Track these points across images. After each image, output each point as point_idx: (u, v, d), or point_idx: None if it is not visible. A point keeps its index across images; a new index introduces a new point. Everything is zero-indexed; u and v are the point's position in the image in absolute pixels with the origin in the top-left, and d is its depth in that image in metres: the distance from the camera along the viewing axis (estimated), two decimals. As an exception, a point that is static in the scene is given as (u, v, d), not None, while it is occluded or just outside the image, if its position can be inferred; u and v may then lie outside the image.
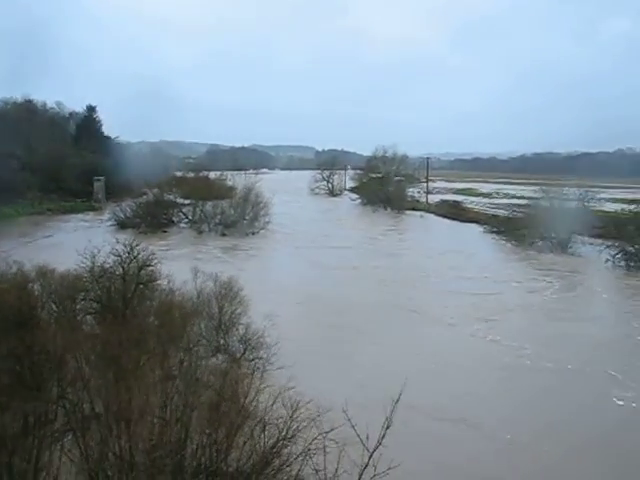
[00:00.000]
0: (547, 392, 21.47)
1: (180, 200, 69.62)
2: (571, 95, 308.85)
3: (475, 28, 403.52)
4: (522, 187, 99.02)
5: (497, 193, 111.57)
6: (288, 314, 27.68)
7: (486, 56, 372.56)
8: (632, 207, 53.75)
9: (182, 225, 66.50)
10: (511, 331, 28.56)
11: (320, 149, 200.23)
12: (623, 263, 47.52)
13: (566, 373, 23.30)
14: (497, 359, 24.75)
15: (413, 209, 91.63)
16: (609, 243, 49.75)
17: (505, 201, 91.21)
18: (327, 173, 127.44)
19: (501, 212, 74.27)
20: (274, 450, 10.89)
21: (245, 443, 10.87)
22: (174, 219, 67.50)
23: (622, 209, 55.79)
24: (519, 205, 71.00)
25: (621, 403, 20.52)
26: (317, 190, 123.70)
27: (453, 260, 47.59)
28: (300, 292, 35.09)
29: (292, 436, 10.97)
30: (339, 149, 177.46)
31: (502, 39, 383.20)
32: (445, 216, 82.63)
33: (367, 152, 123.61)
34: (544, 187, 61.98)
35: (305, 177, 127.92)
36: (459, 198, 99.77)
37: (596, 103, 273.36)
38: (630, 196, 70.33)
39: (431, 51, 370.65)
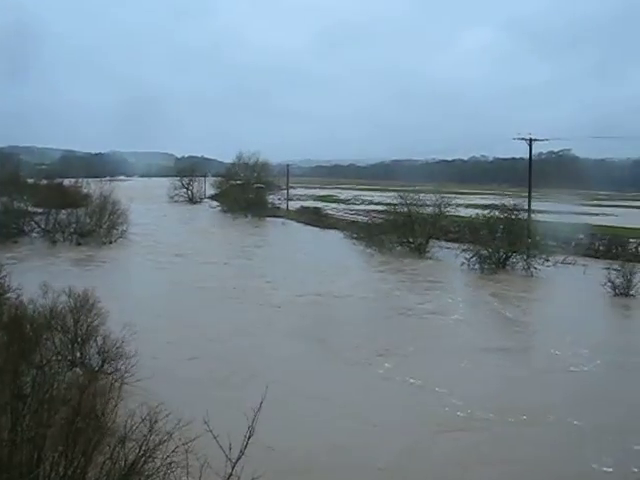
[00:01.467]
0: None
1: (32, 209, 65.47)
2: (432, 103, 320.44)
3: (338, 35, 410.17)
4: (380, 193, 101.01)
5: (356, 199, 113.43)
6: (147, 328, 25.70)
7: (349, 64, 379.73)
8: (485, 212, 55.38)
9: (34, 235, 62.79)
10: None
11: (180, 156, 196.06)
12: (477, 266, 48.69)
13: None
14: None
15: (274, 216, 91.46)
16: (464, 247, 50.84)
17: (364, 207, 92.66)
18: (187, 180, 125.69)
19: (360, 218, 75.14)
20: (134, 466, 10.44)
21: (105, 461, 10.31)
22: (25, 228, 63.47)
23: (477, 214, 57.39)
24: (378, 211, 72.02)
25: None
26: (177, 197, 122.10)
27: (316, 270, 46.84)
28: (159, 306, 33.24)
29: (152, 451, 10.59)
30: (199, 156, 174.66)
31: (366, 48, 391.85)
32: (306, 223, 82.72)
33: (228, 159, 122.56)
34: (402, 193, 62.84)
35: (165, 184, 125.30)
36: (319, 205, 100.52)
37: (457, 112, 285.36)
38: (483, 202, 72.81)
39: (297, 58, 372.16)
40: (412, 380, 22.29)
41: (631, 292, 39.22)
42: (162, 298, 36.02)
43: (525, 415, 19.26)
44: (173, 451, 10.64)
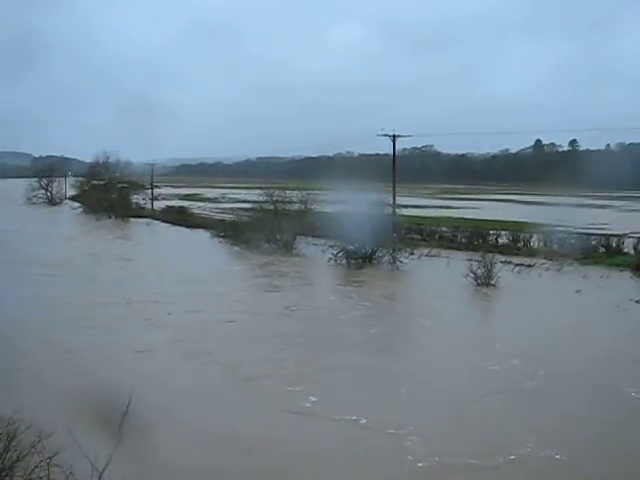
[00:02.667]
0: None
1: None
2: (303, 101, 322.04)
3: (207, 29, 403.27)
4: (247, 191, 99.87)
5: (223, 197, 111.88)
6: None
7: (215, 60, 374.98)
8: (351, 207, 55.45)
9: None
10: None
11: (37, 155, 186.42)
12: (344, 261, 48.60)
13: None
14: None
15: (139, 216, 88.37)
16: (332, 243, 50.58)
17: (231, 205, 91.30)
18: (46, 181, 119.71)
19: (227, 216, 73.72)
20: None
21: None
22: None
23: (343, 210, 57.43)
24: (244, 209, 70.90)
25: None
26: (35, 199, 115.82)
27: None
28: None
29: (10, 469, 10.13)
30: (59, 155, 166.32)
31: (232, 45, 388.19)
32: (172, 222, 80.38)
33: (90, 158, 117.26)
34: (268, 190, 61.97)
35: (22, 185, 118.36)
36: (185, 204, 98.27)
37: (325, 109, 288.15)
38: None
39: (161, 53, 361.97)
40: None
41: (492, 282, 40.24)
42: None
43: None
44: (36, 467, 10.16)
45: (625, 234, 55.96)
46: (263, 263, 49.08)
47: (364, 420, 17.96)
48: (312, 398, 19.81)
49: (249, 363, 23.47)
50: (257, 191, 68.44)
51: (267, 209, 59.66)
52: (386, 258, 49.20)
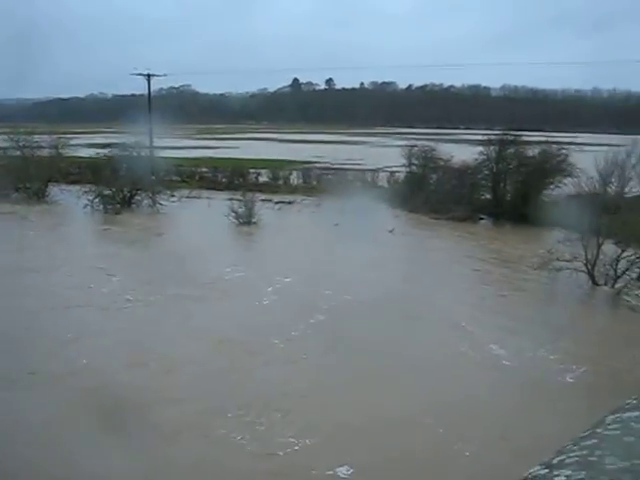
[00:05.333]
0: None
1: None
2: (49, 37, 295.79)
3: None
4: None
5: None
6: None
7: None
8: (106, 151, 52.66)
9: None
10: None
11: None
12: (101, 206, 46.26)
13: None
14: None
15: None
16: (87, 188, 47.71)
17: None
18: None
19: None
20: None
21: None
22: None
23: (97, 153, 54.31)
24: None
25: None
26: None
27: None
28: None
29: None
30: None
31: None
32: None
33: None
34: (12, 135, 56.60)
35: None
36: None
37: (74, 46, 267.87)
38: (104, 140, 69.44)
39: None
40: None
41: (253, 220, 40.48)
42: None
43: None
44: None
45: (379, 168, 58.92)
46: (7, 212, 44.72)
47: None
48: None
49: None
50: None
51: (13, 155, 54.58)
52: (146, 202, 47.54)
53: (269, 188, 53.98)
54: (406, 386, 17.05)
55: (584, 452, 1.85)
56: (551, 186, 45.00)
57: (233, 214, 40.19)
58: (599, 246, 28.89)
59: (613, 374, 18.31)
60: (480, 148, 48.20)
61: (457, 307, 24.98)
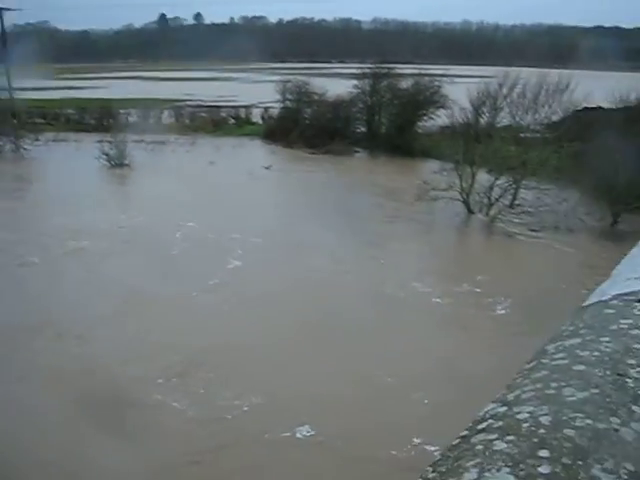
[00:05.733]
0: None
1: None
2: None
3: None
4: None
5: None
6: None
7: None
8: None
9: None
10: None
11: None
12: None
13: None
14: None
15: None
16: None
17: None
18: None
19: None
20: None
21: None
22: None
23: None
24: None
25: None
26: None
27: None
28: None
29: None
30: None
31: None
32: None
33: None
34: None
35: None
36: None
37: None
38: None
39: None
40: None
41: (126, 162, 39.04)
42: None
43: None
44: None
45: (252, 105, 58.06)
46: None
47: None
48: None
49: None
50: None
51: None
52: (8, 147, 44.75)
53: (141, 128, 51.97)
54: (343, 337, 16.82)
55: (538, 385, 1.72)
56: (425, 118, 45.91)
57: (104, 156, 38.59)
58: (473, 175, 29.85)
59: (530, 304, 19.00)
60: (354, 82, 48.33)
61: (353, 243, 25.12)
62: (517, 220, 28.95)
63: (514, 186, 30.19)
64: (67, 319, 17.57)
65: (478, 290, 20.34)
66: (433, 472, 1.56)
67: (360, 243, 24.82)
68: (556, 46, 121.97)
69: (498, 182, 29.80)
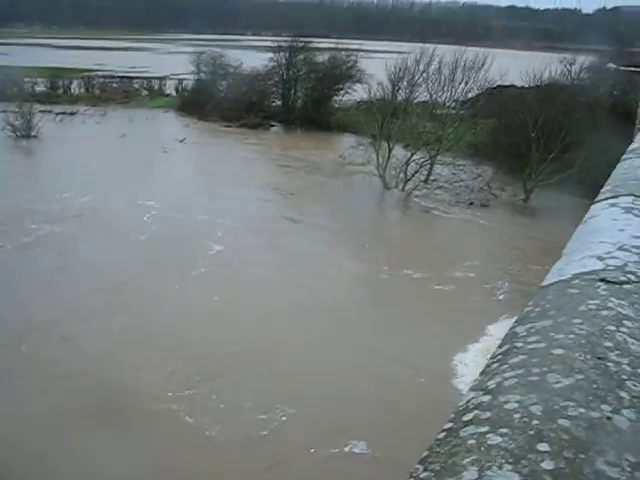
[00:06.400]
0: None
1: None
2: None
3: None
4: None
5: None
6: None
7: None
8: None
9: None
10: None
11: None
12: None
13: None
14: None
15: None
16: None
17: None
18: None
19: None
20: None
21: None
22: None
23: None
24: None
25: None
26: None
27: None
28: None
29: None
30: None
31: None
32: None
33: None
34: None
35: None
36: None
37: None
38: None
39: None
40: None
41: (33, 133, 37.39)
42: None
43: None
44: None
45: (166, 76, 56.58)
46: None
47: None
48: None
49: None
50: None
51: None
52: None
53: (48, 98, 49.78)
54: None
55: (519, 372, 1.59)
56: (341, 92, 45.88)
57: (9, 127, 36.81)
58: (390, 150, 30.04)
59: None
60: (269, 55, 47.71)
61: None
62: (432, 195, 29.36)
63: (429, 162, 30.58)
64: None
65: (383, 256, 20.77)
66: (425, 471, 1.42)
67: (275, 218, 24.75)
68: (471, 24, 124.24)
69: (414, 158, 30.11)
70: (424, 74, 33.93)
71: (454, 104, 34.03)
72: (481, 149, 31.65)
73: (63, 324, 15.71)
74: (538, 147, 28.37)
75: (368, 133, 31.03)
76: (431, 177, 30.88)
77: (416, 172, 29.84)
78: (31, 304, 16.70)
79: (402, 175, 29.84)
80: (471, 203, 28.35)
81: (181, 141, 38.03)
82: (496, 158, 30.31)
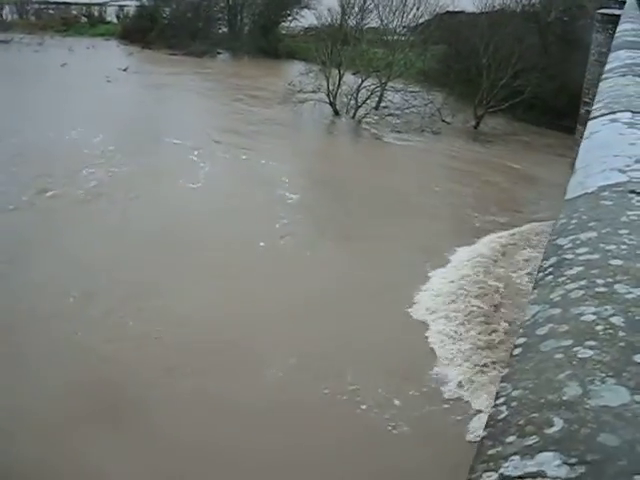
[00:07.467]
0: None
1: None
2: None
3: None
4: None
5: None
6: None
7: None
8: None
9: None
10: None
11: None
12: None
13: None
14: None
15: None
16: None
17: None
18: None
19: None
20: None
21: None
22: None
23: None
24: None
25: None
26: None
27: None
28: None
29: None
30: None
31: None
32: None
33: None
34: None
35: None
36: None
37: None
38: None
39: None
40: None
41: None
42: None
43: None
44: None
45: (106, 2, 54.07)
46: None
47: None
48: None
49: None
50: None
51: None
52: None
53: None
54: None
55: (582, 283, 1.67)
56: (289, 18, 44.73)
57: None
58: (340, 77, 29.52)
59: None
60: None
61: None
62: (383, 122, 29.08)
63: (380, 88, 30.19)
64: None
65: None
66: (517, 389, 1.26)
67: (228, 146, 24.25)
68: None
69: (365, 84, 29.68)
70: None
71: (405, 30, 33.48)
72: (432, 75, 31.34)
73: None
74: (489, 73, 28.30)
75: (318, 60, 30.36)
76: (382, 104, 30.51)
77: (367, 99, 29.47)
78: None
79: (353, 102, 29.45)
80: (422, 130, 28.18)
81: (123, 70, 36.58)
82: (447, 84, 30.06)
